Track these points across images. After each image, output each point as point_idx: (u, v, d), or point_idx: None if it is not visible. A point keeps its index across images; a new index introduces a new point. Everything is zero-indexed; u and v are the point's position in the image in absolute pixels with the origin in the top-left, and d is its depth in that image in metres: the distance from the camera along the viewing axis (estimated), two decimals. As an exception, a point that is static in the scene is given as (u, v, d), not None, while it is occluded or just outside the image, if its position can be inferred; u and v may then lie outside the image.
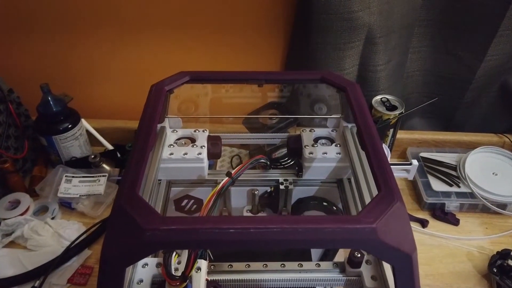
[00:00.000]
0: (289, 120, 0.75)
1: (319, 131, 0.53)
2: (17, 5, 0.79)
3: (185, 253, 0.37)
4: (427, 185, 0.80)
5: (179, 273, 0.36)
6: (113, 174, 0.82)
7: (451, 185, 0.80)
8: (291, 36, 0.80)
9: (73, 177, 0.80)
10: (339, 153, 0.49)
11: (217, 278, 0.37)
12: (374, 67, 0.79)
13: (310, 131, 0.53)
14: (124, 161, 0.87)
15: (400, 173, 0.57)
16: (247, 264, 0.38)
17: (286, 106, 0.75)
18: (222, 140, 0.54)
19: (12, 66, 0.87)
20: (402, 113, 0.76)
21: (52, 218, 0.75)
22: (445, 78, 0.89)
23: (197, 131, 0.52)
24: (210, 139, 0.51)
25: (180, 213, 0.55)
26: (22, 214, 0.74)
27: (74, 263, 0.69)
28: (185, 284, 0.34)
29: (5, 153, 0.77)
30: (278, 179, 0.51)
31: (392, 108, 0.77)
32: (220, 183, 0.42)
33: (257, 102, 0.72)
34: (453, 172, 0.82)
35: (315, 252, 0.59)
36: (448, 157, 0.85)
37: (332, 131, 0.53)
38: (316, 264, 0.39)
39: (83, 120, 0.86)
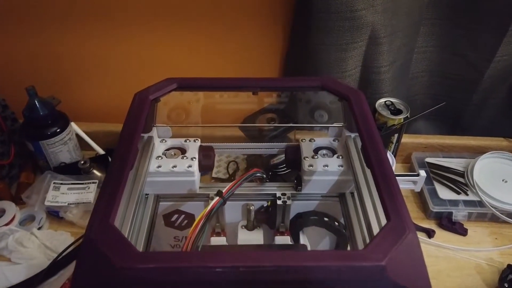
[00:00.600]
0: (288, 125, 0.71)
1: (320, 141, 0.49)
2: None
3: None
4: (434, 193, 0.76)
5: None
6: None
7: (458, 193, 0.76)
8: (290, 37, 0.75)
9: (61, 184, 0.77)
10: (341, 166, 0.45)
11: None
12: (378, 69, 0.75)
13: (310, 141, 0.49)
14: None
15: (406, 185, 0.53)
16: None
17: (285, 110, 0.71)
18: (216, 149, 0.50)
19: (-4, 66, 0.83)
20: (407, 118, 0.72)
21: (39, 228, 0.72)
22: (452, 79, 0.85)
23: (188, 140, 0.48)
24: (202, 149, 0.48)
25: (170, 229, 0.51)
26: (7, 224, 0.70)
27: (61, 277, 0.66)
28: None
29: (-11, 160, 0.73)
30: (276, 193, 0.47)
31: (397, 112, 0.73)
32: (209, 204, 0.38)
33: (253, 108, 0.68)
34: (461, 179, 0.78)
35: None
36: (455, 163, 0.81)
37: (333, 140, 0.49)
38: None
39: (72, 124, 0.82)
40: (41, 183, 0.77)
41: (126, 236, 0.36)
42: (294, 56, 0.76)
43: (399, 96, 0.78)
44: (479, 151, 0.83)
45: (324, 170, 0.45)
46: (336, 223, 0.49)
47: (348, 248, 0.47)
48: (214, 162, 0.48)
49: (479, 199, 0.74)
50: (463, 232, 0.73)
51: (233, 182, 0.41)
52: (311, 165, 0.45)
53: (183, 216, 0.49)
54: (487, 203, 0.72)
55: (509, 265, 0.65)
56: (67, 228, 0.73)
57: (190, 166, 0.45)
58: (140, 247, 0.40)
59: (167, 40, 0.79)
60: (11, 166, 0.79)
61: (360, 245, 0.42)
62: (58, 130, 0.77)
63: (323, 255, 0.26)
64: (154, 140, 0.47)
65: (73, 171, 0.80)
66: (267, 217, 0.48)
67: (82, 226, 0.73)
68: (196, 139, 0.48)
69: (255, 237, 0.48)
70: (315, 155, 0.47)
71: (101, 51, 0.81)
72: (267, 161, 0.72)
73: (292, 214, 0.49)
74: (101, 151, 0.86)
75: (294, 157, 0.47)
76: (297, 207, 0.49)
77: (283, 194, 0.47)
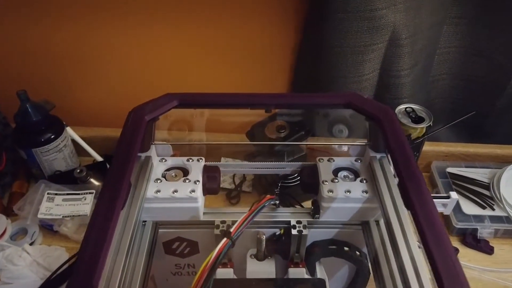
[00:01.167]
0: (300, 133, 0.65)
1: (340, 161, 0.43)
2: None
3: None
4: (457, 207, 0.70)
5: None
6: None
7: (484, 208, 0.70)
8: (302, 40, 0.69)
9: (56, 194, 0.71)
10: (366, 192, 0.40)
11: None
12: (397, 72, 0.69)
13: (328, 160, 0.43)
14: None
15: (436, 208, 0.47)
16: None
17: (297, 117, 0.65)
18: (222, 169, 0.44)
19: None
20: (430, 126, 0.66)
21: (31, 243, 0.67)
22: (475, 83, 0.79)
23: (190, 160, 0.43)
24: (206, 170, 0.42)
25: (171, 256, 0.46)
26: (-3, 239, 0.65)
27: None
28: None
29: (-22, 169, 0.68)
30: (290, 221, 0.42)
31: (419, 120, 0.67)
32: (215, 249, 0.32)
33: (258, 118, 0.62)
34: (486, 192, 0.72)
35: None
36: (479, 174, 0.75)
37: (355, 160, 0.43)
38: None
39: (68, 129, 0.77)
40: (34, 194, 0.72)
41: (119, 275, 0.31)
42: (306, 60, 0.70)
43: (418, 102, 0.72)
44: (506, 161, 0.77)
45: (345, 197, 0.39)
46: (358, 253, 0.44)
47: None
48: (220, 184, 0.43)
49: (506, 215, 0.68)
50: (489, 250, 0.67)
51: (243, 217, 0.35)
52: (331, 191, 0.40)
53: (185, 243, 0.44)
54: (515, 219, 0.67)
55: (542, 291, 0.59)
56: (61, 243, 0.68)
57: (193, 191, 0.40)
58: (136, 283, 0.35)
59: (169, 42, 0.73)
60: (3, 174, 0.74)
61: (387, 279, 0.37)
62: (52, 137, 0.72)
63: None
64: (152, 160, 0.41)
65: (69, 180, 0.75)
66: (280, 246, 0.43)
67: (78, 240, 0.68)
68: (200, 158, 0.43)
69: (266, 269, 0.43)
70: (335, 178, 0.41)
71: (98, 50, 0.75)
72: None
73: (308, 241, 0.44)
74: (99, 158, 0.80)
75: (311, 181, 0.42)
76: (313, 234, 0.43)
77: (298, 222, 0.42)
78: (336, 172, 0.43)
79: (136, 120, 0.32)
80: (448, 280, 0.22)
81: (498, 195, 0.70)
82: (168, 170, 0.43)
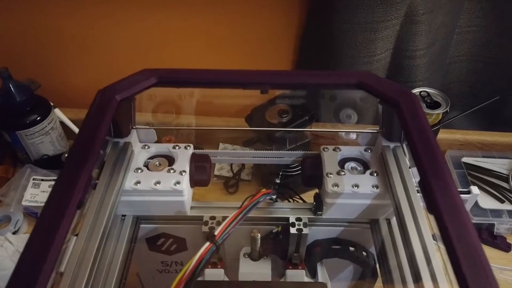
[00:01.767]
0: (304, 118, 0.60)
1: (347, 151, 0.38)
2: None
3: None
4: (472, 201, 0.65)
5: None
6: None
7: (502, 202, 0.64)
8: (308, 13, 0.63)
9: (42, 180, 0.67)
10: (377, 187, 0.34)
11: None
12: (413, 52, 0.63)
13: (334, 150, 0.38)
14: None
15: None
16: None
17: (300, 101, 0.60)
18: (214, 158, 0.39)
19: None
20: (447, 113, 0.60)
21: (15, 232, 0.63)
22: (496, 65, 0.73)
23: (177, 147, 0.38)
24: (194, 159, 0.37)
25: (156, 253, 0.41)
26: (-22, 227, 0.61)
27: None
28: None
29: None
30: (288, 218, 0.37)
31: (434, 105, 0.61)
32: (195, 256, 0.27)
33: (258, 101, 0.57)
34: (505, 184, 0.67)
35: None
36: (497, 164, 0.70)
37: (365, 150, 0.38)
38: None
39: (56, 110, 0.72)
40: (19, 179, 0.68)
41: (86, 274, 0.27)
42: (312, 39, 0.64)
43: (434, 85, 0.66)
44: (526, 151, 0.71)
45: (353, 192, 0.34)
46: (364, 253, 0.39)
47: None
48: (210, 176, 0.38)
49: (526, 209, 0.63)
50: (506, 247, 0.62)
51: (232, 217, 0.30)
52: (336, 185, 0.35)
53: (171, 240, 0.39)
54: (535, 215, 0.61)
55: None
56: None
57: (178, 183, 0.34)
58: (112, 282, 0.31)
59: (162, 17, 0.67)
60: (-13, 158, 0.70)
61: (398, 284, 0.32)
62: (38, 119, 0.67)
63: None
64: (133, 147, 0.36)
65: (56, 164, 0.71)
66: (277, 245, 0.38)
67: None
68: (188, 146, 0.38)
69: (261, 270, 0.38)
70: (341, 170, 0.36)
71: (86, 26, 0.69)
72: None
73: (309, 240, 0.39)
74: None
75: (314, 173, 0.36)
76: (315, 232, 0.39)
77: (298, 220, 0.36)
78: (342, 163, 0.38)
79: (105, 100, 0.27)
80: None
81: (518, 188, 0.65)
82: (151, 158, 0.38)
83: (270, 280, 0.38)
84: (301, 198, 0.56)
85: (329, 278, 0.41)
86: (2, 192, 0.66)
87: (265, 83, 0.28)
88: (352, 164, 0.38)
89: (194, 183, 0.37)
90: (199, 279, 0.38)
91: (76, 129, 0.74)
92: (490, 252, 0.62)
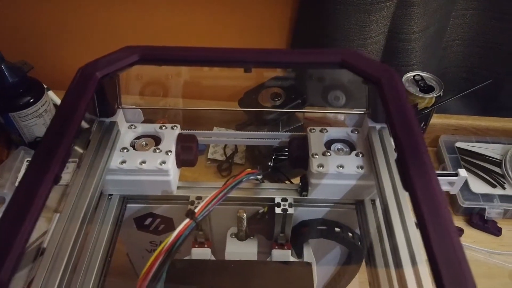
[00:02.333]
0: (297, 101, 0.60)
1: (334, 132, 0.38)
2: None
3: None
4: (464, 185, 0.65)
5: None
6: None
7: (494, 186, 0.65)
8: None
9: (36, 162, 0.67)
10: (361, 167, 0.35)
11: None
12: (407, 35, 0.62)
13: (321, 131, 0.38)
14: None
15: (441, 186, 0.42)
16: None
17: (293, 84, 0.59)
18: (201, 139, 0.39)
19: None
20: (440, 97, 0.60)
21: (9, 213, 0.63)
22: (493, 50, 0.72)
23: (164, 127, 0.38)
24: (180, 139, 0.37)
25: (144, 233, 0.41)
26: (-28, 208, 0.62)
27: (33, 271, 0.57)
28: None
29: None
30: (274, 198, 0.37)
31: (428, 89, 0.61)
32: (174, 231, 0.27)
33: (253, 83, 0.56)
34: (497, 169, 0.67)
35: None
36: (490, 149, 0.70)
37: (352, 131, 0.38)
38: None
39: (50, 93, 0.72)
40: (13, 161, 0.68)
41: (65, 262, 0.27)
42: (305, 20, 0.63)
43: (429, 69, 0.66)
44: (520, 136, 0.71)
45: (338, 173, 0.34)
46: (350, 234, 0.39)
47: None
48: (196, 156, 0.38)
49: (517, 194, 0.63)
50: (496, 232, 0.63)
51: (213, 194, 0.30)
52: (321, 165, 0.35)
53: (158, 220, 0.40)
54: (527, 199, 0.61)
55: (553, 277, 0.54)
56: (42, 213, 0.65)
57: (163, 162, 0.35)
58: (95, 266, 0.31)
59: (154, 4, 0.66)
60: (-19, 139, 0.70)
61: (380, 266, 0.32)
62: (31, 100, 0.67)
63: None
64: (119, 126, 0.36)
65: (51, 147, 0.71)
66: (263, 226, 0.38)
67: (59, 211, 0.65)
68: (175, 126, 0.38)
69: (248, 249, 0.39)
70: (327, 151, 0.36)
71: (79, 8, 0.69)
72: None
73: (296, 221, 0.39)
74: (85, 124, 0.75)
75: (299, 153, 0.36)
76: (301, 213, 0.39)
77: (284, 200, 0.37)
78: (329, 144, 0.38)
79: (85, 77, 0.27)
80: (448, 281, 0.17)
81: (510, 173, 0.65)
82: (138, 138, 0.38)
83: (256, 259, 0.38)
84: (289, 181, 0.56)
85: (317, 259, 0.42)
86: (-4, 174, 0.66)
87: (248, 61, 0.28)
88: (338, 145, 0.38)
89: (180, 163, 0.37)
90: (186, 257, 0.39)
91: (70, 112, 0.74)
92: (481, 236, 0.63)
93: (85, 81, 0.26)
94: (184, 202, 0.37)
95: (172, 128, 0.38)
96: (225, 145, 0.71)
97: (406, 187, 0.22)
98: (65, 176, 0.68)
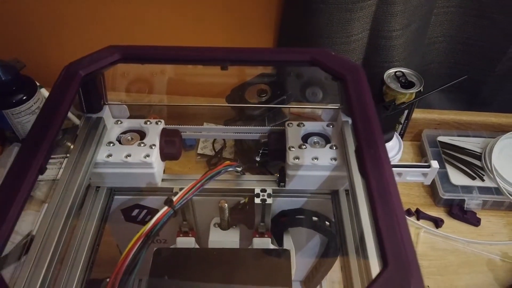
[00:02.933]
0: (282, 97, 0.61)
1: (311, 126, 0.40)
2: None
3: None
4: (445, 177, 0.67)
5: None
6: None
7: (473, 178, 0.67)
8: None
9: (29, 158, 0.69)
10: (335, 159, 0.37)
11: None
12: (389, 33, 0.64)
13: (298, 125, 0.40)
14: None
15: (415, 177, 0.44)
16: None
17: (279, 80, 0.61)
18: (185, 133, 0.41)
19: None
20: (420, 92, 0.62)
21: (3, 208, 0.65)
22: (474, 46, 0.74)
23: (148, 122, 0.39)
24: (164, 134, 0.39)
25: (132, 224, 0.43)
26: (-33, 203, 0.64)
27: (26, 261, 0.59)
28: None
29: None
30: (254, 189, 0.39)
31: (409, 85, 0.63)
32: (152, 219, 0.29)
33: (237, 81, 0.58)
34: (477, 162, 0.69)
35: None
36: (471, 143, 0.72)
37: (327, 125, 0.40)
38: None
39: (42, 90, 0.73)
40: (7, 157, 0.70)
41: (52, 249, 0.29)
42: (290, 19, 0.65)
43: (412, 66, 0.68)
44: (500, 130, 0.73)
45: (312, 164, 0.36)
46: (327, 223, 0.41)
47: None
48: (180, 149, 0.40)
49: (496, 186, 0.65)
50: (475, 222, 0.65)
51: (191, 184, 0.32)
52: (297, 157, 0.37)
53: (145, 211, 0.42)
54: (504, 191, 0.64)
55: (526, 265, 0.57)
56: (36, 207, 0.66)
57: (147, 156, 0.37)
58: (82, 254, 0.33)
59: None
60: (-25, 137, 0.72)
61: (351, 252, 0.35)
62: (24, 98, 0.69)
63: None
64: (105, 122, 0.38)
65: (44, 143, 0.73)
66: (244, 215, 0.40)
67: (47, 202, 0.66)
68: (159, 121, 0.40)
69: (230, 238, 0.41)
70: (303, 144, 0.38)
71: (71, 5, 0.70)
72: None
73: (275, 211, 0.41)
74: (77, 121, 0.77)
75: (277, 146, 0.38)
76: (280, 204, 0.41)
77: (263, 191, 0.39)
78: (306, 137, 0.40)
79: (69, 75, 0.29)
80: (391, 255, 0.19)
81: (489, 166, 0.67)
82: (124, 133, 0.39)
83: (237, 247, 0.40)
84: (271, 174, 0.58)
85: (298, 248, 0.44)
86: (-10, 170, 0.68)
87: (225, 59, 0.30)
88: (315, 138, 0.40)
89: (164, 156, 0.39)
90: (172, 246, 0.41)
91: (62, 109, 0.76)
92: (460, 227, 0.65)
93: (69, 78, 0.28)
94: (169, 193, 0.39)
95: (156, 123, 0.40)
96: (214, 140, 0.72)
97: (362, 174, 0.24)
98: (54, 171, 0.70)
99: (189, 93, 0.66)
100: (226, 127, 0.42)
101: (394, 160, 0.66)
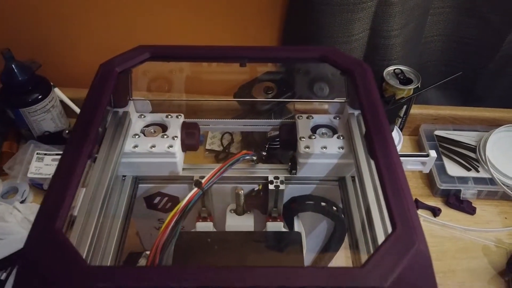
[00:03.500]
0: (288, 94, 0.65)
1: (319, 118, 0.43)
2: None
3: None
4: (442, 169, 0.71)
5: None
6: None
7: (468, 170, 0.71)
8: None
9: (45, 154, 0.72)
10: (342, 148, 0.40)
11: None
12: (388, 32, 0.68)
13: (307, 118, 0.43)
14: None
15: (414, 166, 0.47)
16: None
17: (284, 78, 0.65)
18: (202, 127, 0.45)
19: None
20: (418, 88, 0.65)
21: (22, 201, 0.68)
22: (469, 44, 0.78)
23: (169, 116, 0.43)
24: (185, 127, 0.42)
25: (153, 211, 0.47)
26: (-12, 197, 0.67)
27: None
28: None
29: (-33, 128, 0.68)
30: (267, 177, 0.42)
31: (407, 81, 0.66)
32: (185, 197, 0.33)
33: (246, 77, 0.62)
34: (472, 154, 0.73)
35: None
36: (466, 137, 0.76)
37: (334, 118, 0.43)
38: None
39: (56, 90, 0.76)
40: (24, 154, 0.73)
41: (92, 228, 0.32)
42: (293, 19, 0.69)
43: (409, 63, 0.71)
44: (494, 124, 0.77)
45: (322, 153, 0.40)
46: (335, 208, 0.45)
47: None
48: (198, 141, 0.43)
49: (490, 176, 0.69)
50: (471, 211, 0.69)
51: (216, 169, 0.36)
52: (307, 147, 0.40)
53: (166, 198, 0.45)
54: (498, 181, 0.67)
55: (519, 249, 0.61)
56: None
57: (171, 146, 0.40)
58: (114, 237, 0.36)
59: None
60: (-8, 134, 0.75)
61: (359, 234, 0.38)
62: (39, 97, 0.72)
63: (313, 274, 0.21)
64: (130, 116, 0.42)
65: (58, 140, 0.76)
66: (258, 201, 0.44)
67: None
68: (179, 115, 0.43)
69: (245, 223, 0.44)
70: (313, 135, 0.41)
71: (84, 6, 0.73)
72: (264, 134, 0.67)
73: (286, 197, 0.45)
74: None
75: (288, 137, 0.42)
76: (291, 190, 0.44)
77: (276, 178, 0.42)
78: (314, 129, 0.43)
79: (106, 72, 0.32)
80: (400, 221, 0.22)
81: (483, 157, 0.71)
82: (147, 126, 0.43)
83: (252, 230, 0.44)
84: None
85: (307, 231, 0.47)
86: (8, 166, 0.71)
87: (244, 57, 0.33)
88: (323, 130, 0.43)
89: (185, 147, 0.42)
90: (192, 230, 0.44)
91: (75, 107, 0.79)
92: (457, 215, 0.69)
93: (106, 75, 0.31)
94: (189, 181, 0.42)
95: (177, 117, 0.43)
96: (222, 136, 0.76)
97: (371, 155, 0.27)
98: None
99: (199, 91, 0.70)
100: (240, 120, 0.46)
101: (394, 153, 0.69)
